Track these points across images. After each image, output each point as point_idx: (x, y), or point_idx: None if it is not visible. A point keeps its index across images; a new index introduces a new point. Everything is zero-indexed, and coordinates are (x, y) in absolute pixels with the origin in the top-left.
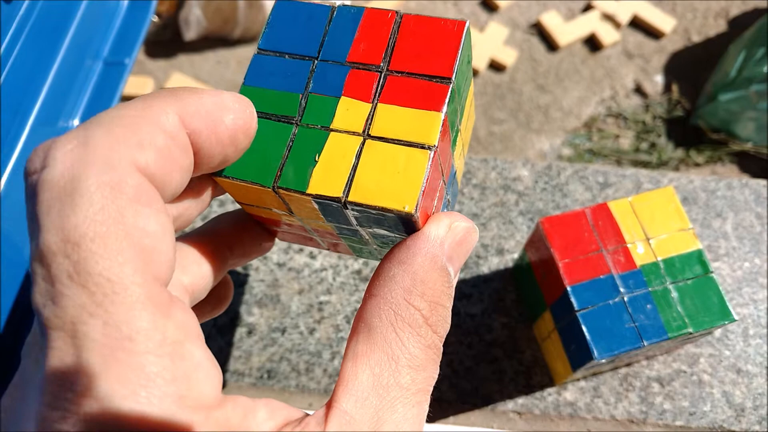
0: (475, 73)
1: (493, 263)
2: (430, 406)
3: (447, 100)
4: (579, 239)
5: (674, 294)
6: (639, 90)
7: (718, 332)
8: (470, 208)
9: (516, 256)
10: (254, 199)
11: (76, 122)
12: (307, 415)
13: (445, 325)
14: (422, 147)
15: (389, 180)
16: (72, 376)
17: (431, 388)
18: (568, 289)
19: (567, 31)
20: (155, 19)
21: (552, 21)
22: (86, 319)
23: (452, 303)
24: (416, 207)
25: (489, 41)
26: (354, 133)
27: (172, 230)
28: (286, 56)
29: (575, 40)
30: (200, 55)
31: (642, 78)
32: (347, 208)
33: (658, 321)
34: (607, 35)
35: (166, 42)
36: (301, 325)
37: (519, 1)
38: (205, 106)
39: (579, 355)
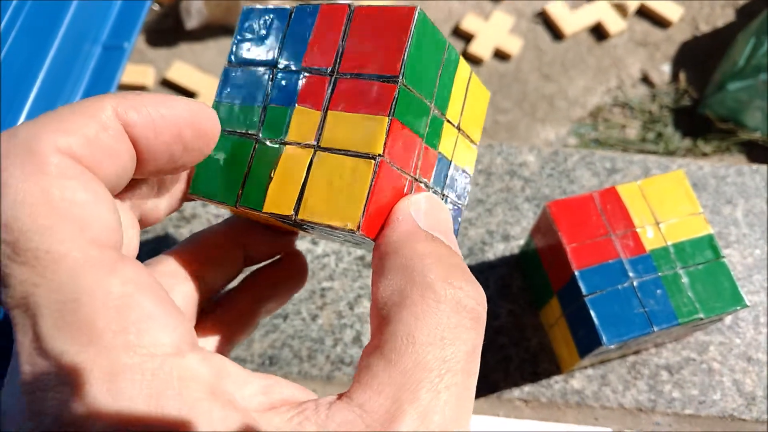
0: (480, 61)
1: (498, 249)
2: None
3: (394, 101)
4: (587, 223)
5: (685, 279)
6: (646, 79)
7: (728, 320)
8: (475, 194)
9: (522, 242)
10: (232, 211)
11: None
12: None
13: (467, 281)
14: (367, 157)
15: (336, 195)
16: (34, 348)
17: (472, 367)
18: (576, 273)
19: (573, 19)
20: (156, 7)
21: (557, 10)
22: (33, 290)
23: (463, 259)
24: (359, 224)
25: (494, 30)
26: (306, 146)
27: (107, 197)
28: (251, 67)
29: (581, 29)
30: (202, 43)
31: (649, 67)
32: (301, 225)
33: (668, 306)
34: (614, 24)
35: (168, 30)
36: (303, 312)
37: None
38: (142, 101)
39: (587, 342)
